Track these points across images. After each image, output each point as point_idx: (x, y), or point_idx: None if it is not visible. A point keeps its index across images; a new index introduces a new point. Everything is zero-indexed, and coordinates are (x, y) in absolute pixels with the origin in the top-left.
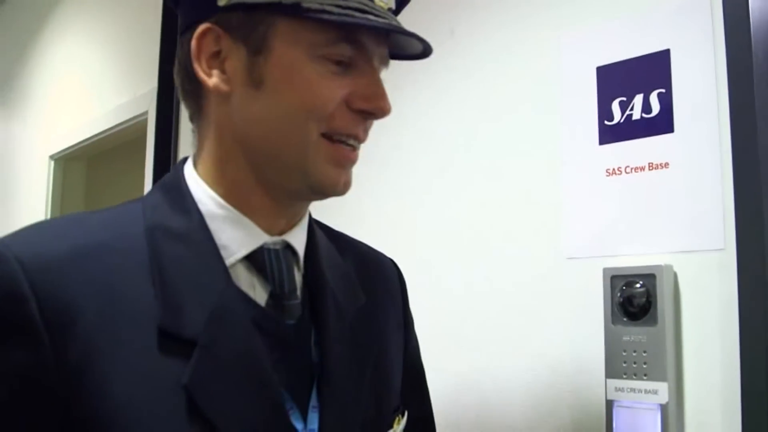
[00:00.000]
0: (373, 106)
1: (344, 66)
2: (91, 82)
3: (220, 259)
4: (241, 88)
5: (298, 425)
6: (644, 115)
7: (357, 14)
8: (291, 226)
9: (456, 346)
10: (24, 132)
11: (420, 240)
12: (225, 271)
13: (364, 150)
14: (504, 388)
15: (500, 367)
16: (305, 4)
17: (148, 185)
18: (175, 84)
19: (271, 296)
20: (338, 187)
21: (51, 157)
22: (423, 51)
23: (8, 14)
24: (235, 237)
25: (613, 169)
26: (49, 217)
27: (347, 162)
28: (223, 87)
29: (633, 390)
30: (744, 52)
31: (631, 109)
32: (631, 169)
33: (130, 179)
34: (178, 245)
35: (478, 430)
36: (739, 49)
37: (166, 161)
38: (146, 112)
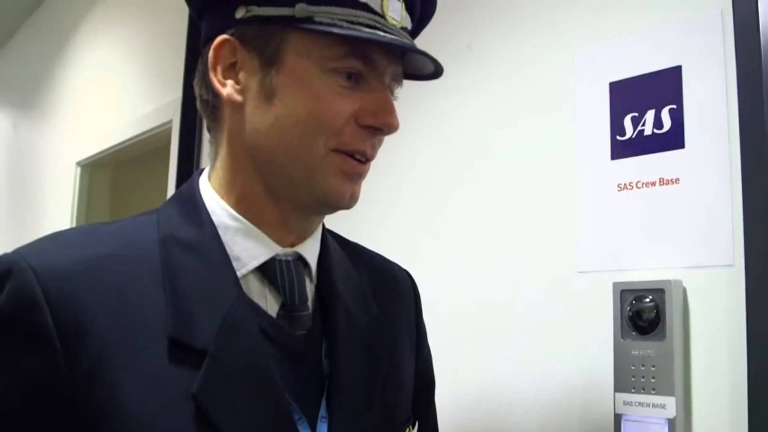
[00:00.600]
0: (380, 122)
1: (354, 81)
2: (119, 90)
3: (231, 270)
4: (254, 99)
5: None
6: (656, 130)
7: (365, 30)
8: (303, 238)
9: (467, 356)
10: (52, 138)
11: (436, 251)
12: (236, 281)
13: (384, 161)
14: (514, 401)
15: (510, 379)
16: (317, 18)
17: (171, 192)
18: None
19: (282, 307)
20: (344, 199)
21: (78, 163)
22: (435, 71)
23: (39, 22)
24: (247, 248)
25: (625, 184)
26: (74, 221)
27: (355, 174)
28: (237, 97)
29: (641, 404)
30: (754, 69)
31: (643, 125)
32: (643, 184)
33: (154, 186)
34: (190, 256)
35: None
36: (750, 66)
37: (189, 169)
38: (171, 121)
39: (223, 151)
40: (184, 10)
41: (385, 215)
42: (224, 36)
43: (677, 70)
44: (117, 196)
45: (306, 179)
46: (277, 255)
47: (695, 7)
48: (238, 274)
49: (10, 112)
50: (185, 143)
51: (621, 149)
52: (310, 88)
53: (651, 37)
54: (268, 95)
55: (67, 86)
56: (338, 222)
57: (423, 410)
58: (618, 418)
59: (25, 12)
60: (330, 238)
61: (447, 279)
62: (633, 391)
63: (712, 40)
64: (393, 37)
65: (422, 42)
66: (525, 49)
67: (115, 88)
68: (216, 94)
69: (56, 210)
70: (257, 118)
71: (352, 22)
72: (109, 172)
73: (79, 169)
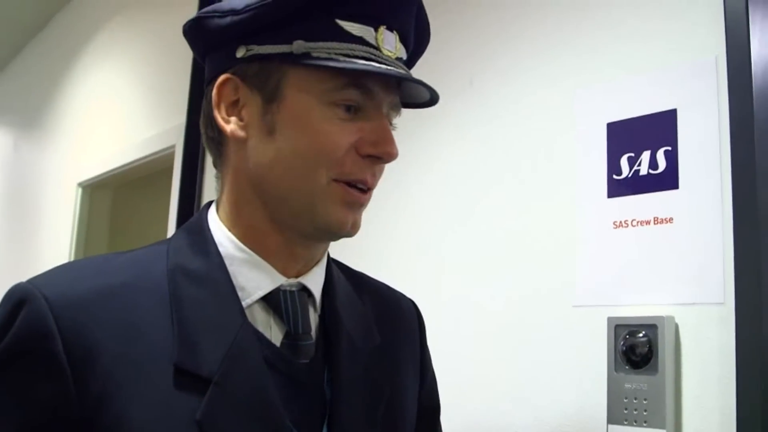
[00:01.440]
0: (380, 151)
1: (353, 112)
2: (122, 113)
3: (237, 300)
4: (257, 135)
5: None
6: (651, 171)
7: (361, 62)
8: (308, 268)
9: (462, 388)
10: (54, 159)
11: (436, 283)
12: (241, 311)
13: (388, 195)
14: (511, 428)
15: (505, 410)
16: (314, 53)
17: (172, 215)
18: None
19: (286, 336)
20: (346, 228)
21: (79, 184)
22: (430, 98)
23: (44, 43)
24: (253, 278)
25: (621, 222)
26: (74, 241)
27: (356, 203)
28: (240, 133)
29: None
30: (746, 113)
31: (639, 165)
32: (638, 222)
33: (154, 209)
34: (197, 286)
35: None
36: (742, 111)
37: (191, 193)
38: (173, 146)
39: (228, 185)
40: None
41: (385, 247)
42: (226, 75)
43: (673, 113)
44: (117, 218)
45: (308, 209)
46: (281, 285)
47: (691, 52)
48: (243, 304)
49: (11, 132)
50: (188, 168)
51: (617, 188)
52: (310, 120)
53: (648, 80)
54: (270, 130)
55: (70, 107)
56: (343, 250)
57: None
58: None
59: (30, 32)
60: (335, 267)
61: (443, 311)
62: (625, 423)
63: (706, 84)
64: (387, 67)
65: (424, 76)
66: (525, 86)
67: (118, 110)
68: (220, 131)
69: (56, 230)
70: (260, 152)
71: (348, 56)
72: (110, 194)
73: (80, 189)
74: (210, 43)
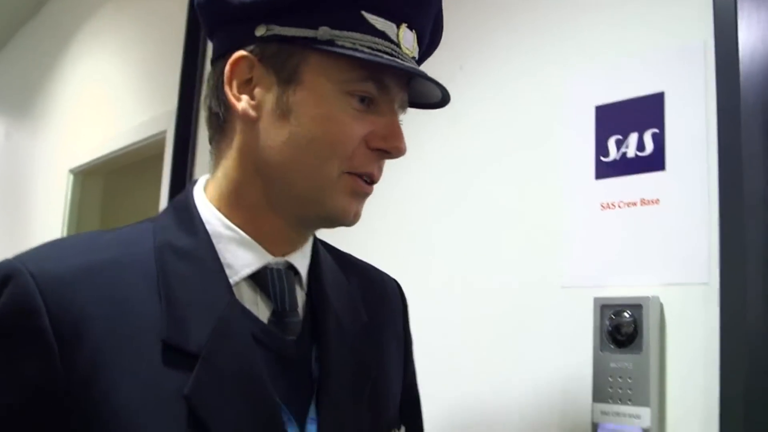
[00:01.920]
0: (390, 146)
1: (366, 105)
2: (114, 99)
3: (224, 277)
4: (269, 116)
5: None
6: (638, 153)
7: (386, 56)
8: (295, 248)
9: (450, 369)
10: (45, 146)
11: (424, 266)
12: (229, 288)
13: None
14: (495, 410)
15: (492, 387)
16: (339, 42)
17: (163, 200)
18: (197, 106)
19: (273, 314)
20: (349, 218)
21: (70, 170)
22: (442, 99)
23: (35, 30)
24: (240, 257)
25: (608, 204)
26: (65, 228)
27: (362, 194)
28: (251, 113)
29: (618, 414)
30: (733, 96)
31: (626, 147)
32: (624, 204)
33: (146, 194)
34: (184, 263)
35: None
36: (729, 94)
37: (182, 178)
38: (165, 131)
39: (228, 164)
40: (182, 21)
41: (374, 232)
42: (242, 52)
43: (661, 96)
44: (108, 204)
45: (315, 197)
46: (268, 264)
47: (679, 36)
48: (231, 281)
49: (3, 120)
50: (179, 153)
51: (605, 170)
52: (326, 107)
53: (636, 63)
54: (283, 112)
55: (62, 94)
56: (331, 234)
57: (411, 414)
58: (595, 427)
59: (21, 19)
60: (321, 247)
61: (433, 293)
62: (610, 401)
63: (694, 68)
64: (411, 65)
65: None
66: (514, 71)
67: (110, 97)
68: (228, 108)
69: (47, 216)
70: (271, 134)
71: (372, 48)
72: (101, 180)
73: (71, 176)
74: (226, 19)
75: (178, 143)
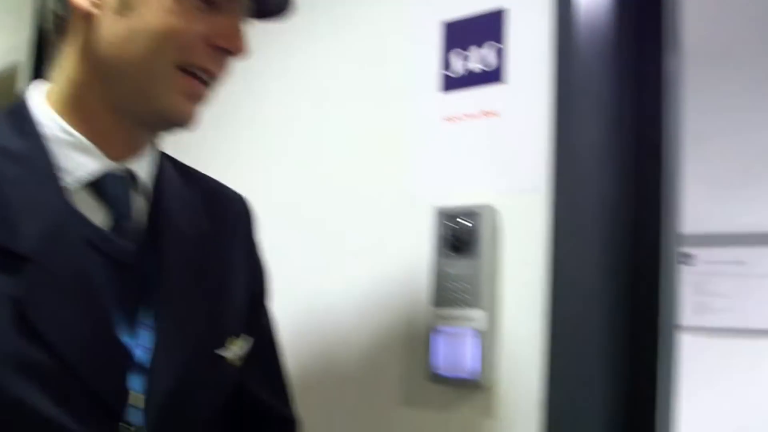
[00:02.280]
0: (229, 44)
1: (209, 5)
2: None
3: (57, 181)
4: (109, 12)
5: (129, 341)
6: (481, 67)
7: None
8: (135, 153)
9: (300, 275)
10: None
11: (271, 181)
12: (62, 192)
13: (227, 97)
14: (341, 314)
15: (338, 294)
16: None
17: None
18: (44, 11)
19: (111, 219)
20: (185, 119)
21: None
22: (287, 6)
23: None
24: (76, 161)
25: (451, 116)
26: None
27: (196, 95)
28: (93, 10)
29: (454, 318)
30: (570, 14)
31: (469, 61)
32: (466, 116)
33: None
34: (15, 166)
35: (314, 356)
36: (566, 12)
37: None
38: (16, 63)
39: (69, 65)
40: None
41: (221, 143)
42: None
43: (504, 12)
44: None
45: (147, 90)
46: (107, 169)
47: None
48: (67, 185)
49: None
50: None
51: (448, 84)
52: (167, 3)
53: None
54: (123, 7)
55: None
56: (177, 147)
57: (257, 321)
58: (433, 330)
59: None
60: (165, 160)
61: (281, 208)
62: (447, 305)
63: None
64: None
65: None
66: None
67: None
68: (68, 8)
69: None
70: (111, 30)
71: None
72: None
73: None
74: None
75: (33, 76)
